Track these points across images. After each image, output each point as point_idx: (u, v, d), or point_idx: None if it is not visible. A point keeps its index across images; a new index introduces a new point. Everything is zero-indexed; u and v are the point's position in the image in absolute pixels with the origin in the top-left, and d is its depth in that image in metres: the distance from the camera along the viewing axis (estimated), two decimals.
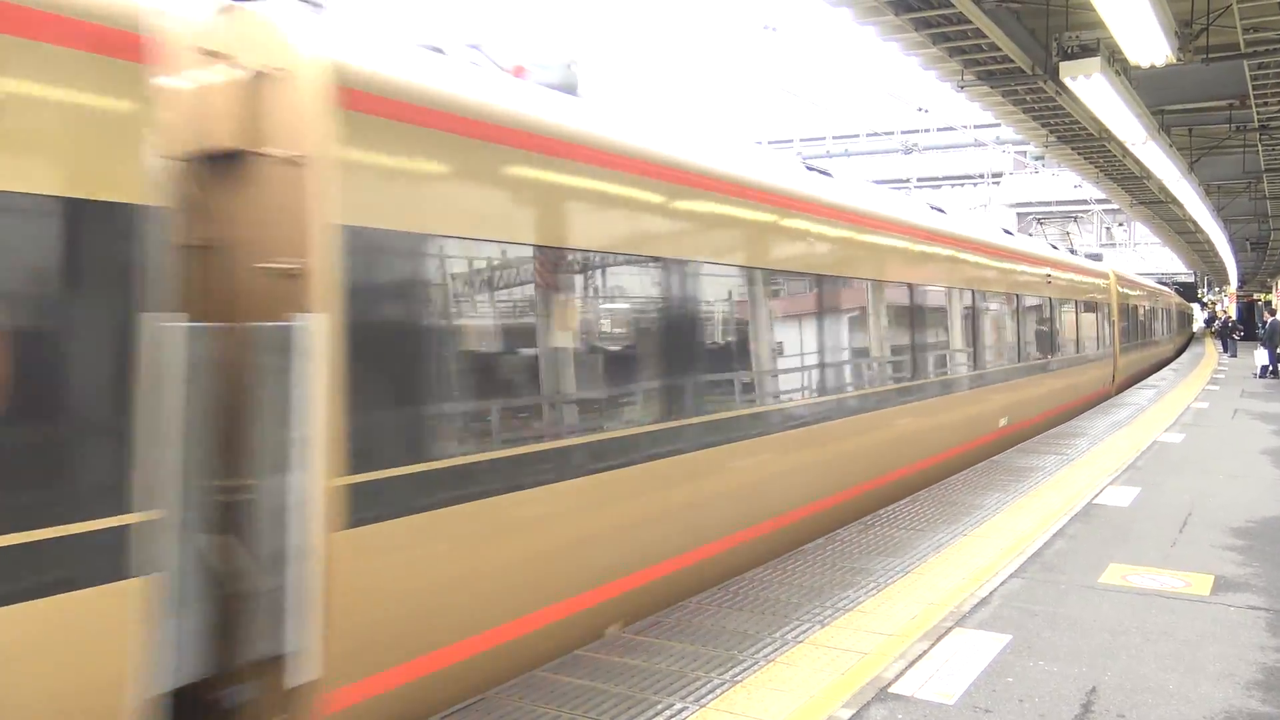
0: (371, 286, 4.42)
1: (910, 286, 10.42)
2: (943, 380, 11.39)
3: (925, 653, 5.14)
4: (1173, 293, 31.96)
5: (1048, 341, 16.49)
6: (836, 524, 8.45)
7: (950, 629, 5.51)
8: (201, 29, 4.29)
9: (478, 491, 4.84)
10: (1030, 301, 15.22)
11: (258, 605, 4.04)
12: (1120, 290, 23.97)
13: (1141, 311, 28.46)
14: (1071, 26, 12.14)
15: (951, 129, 48.18)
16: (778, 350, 8.04)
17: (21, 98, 3.25)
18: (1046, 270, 16.57)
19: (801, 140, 65.68)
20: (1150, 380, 25.15)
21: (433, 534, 4.62)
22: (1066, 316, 17.88)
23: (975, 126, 45.52)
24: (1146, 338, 29.73)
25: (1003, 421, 13.50)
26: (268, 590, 4.03)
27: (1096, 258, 24.07)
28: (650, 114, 10.00)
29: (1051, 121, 18.89)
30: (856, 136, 61.87)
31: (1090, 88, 11.24)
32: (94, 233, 3.41)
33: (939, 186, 60.91)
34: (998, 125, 24.78)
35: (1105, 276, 22.37)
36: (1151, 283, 33.01)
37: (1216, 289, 68.09)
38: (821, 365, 8.59)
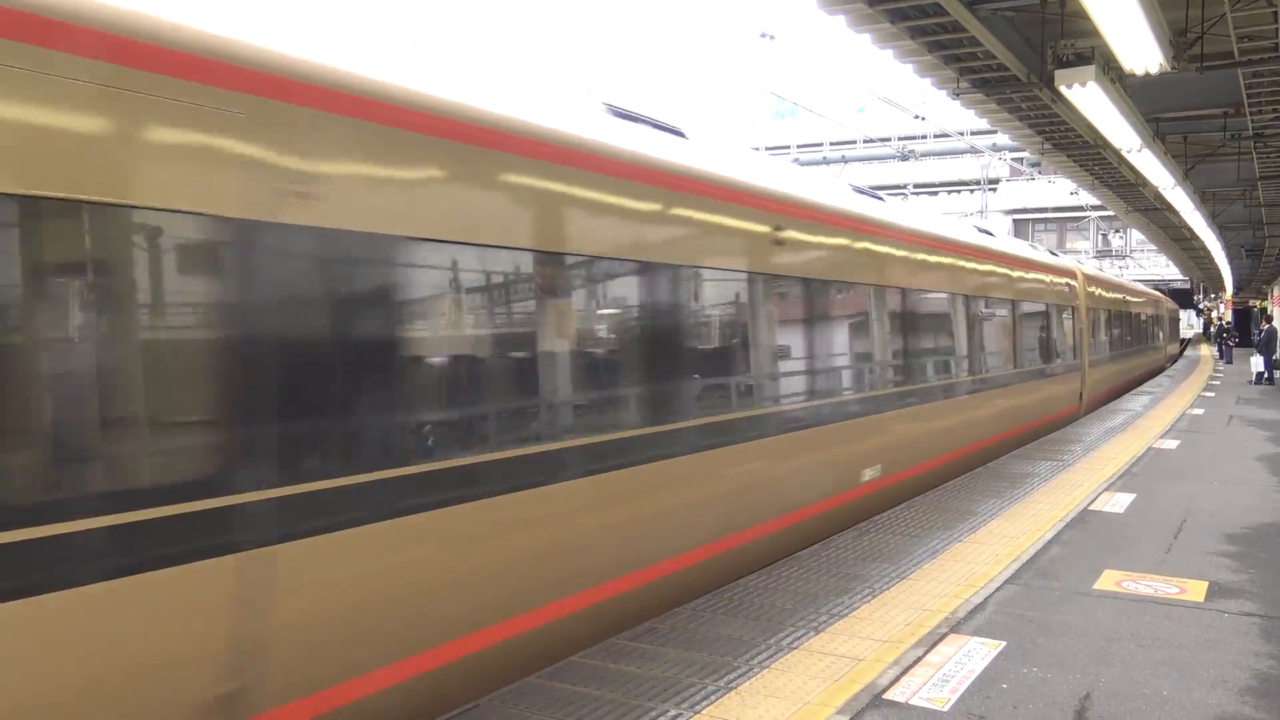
0: (1094, 312, 20.79)
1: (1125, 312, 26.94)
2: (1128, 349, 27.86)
3: (920, 659, 5.14)
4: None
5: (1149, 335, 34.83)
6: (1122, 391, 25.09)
7: (945, 635, 5.52)
8: (1074, 269, 19.90)
9: (1100, 363, 21.38)
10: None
11: (1081, 382, 19.31)
12: (1169, 307, 42.57)
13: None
14: (1067, 35, 12.15)
15: (948, 136, 48.28)
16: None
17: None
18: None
19: (798, 147, 65.79)
20: (1146, 386, 25.65)
21: (1102, 371, 21.47)
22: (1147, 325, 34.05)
23: (972, 133, 45.62)
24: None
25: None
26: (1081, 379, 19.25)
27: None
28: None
29: (1047, 129, 18.92)
30: (854, 143, 61.98)
31: (1085, 95, 11.26)
32: (1075, 310, 19.11)
33: (935, 193, 61.03)
34: (994, 132, 24.91)
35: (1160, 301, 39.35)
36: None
37: (1212, 295, 68.17)
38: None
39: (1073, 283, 18.79)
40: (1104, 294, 22.67)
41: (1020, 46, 13.06)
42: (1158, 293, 39.05)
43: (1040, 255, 17.83)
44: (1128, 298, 27.02)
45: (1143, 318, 30.42)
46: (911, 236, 10.76)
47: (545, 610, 5.30)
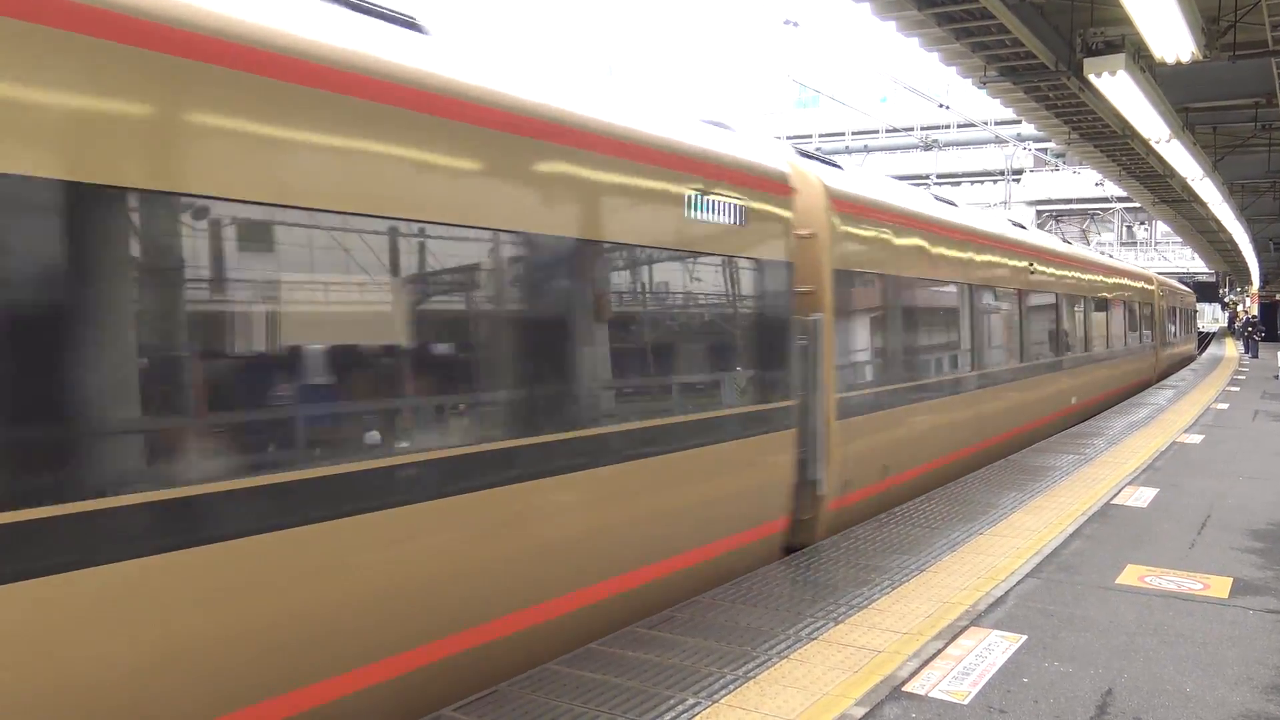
0: (844, 299, 8.57)
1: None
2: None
3: (940, 652, 5.11)
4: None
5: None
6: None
7: (965, 628, 5.49)
8: (788, 173, 7.75)
9: (890, 403, 9.53)
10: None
11: (810, 456, 8.02)
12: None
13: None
14: (1096, 22, 12.03)
15: (972, 125, 47.87)
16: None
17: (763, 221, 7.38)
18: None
19: (820, 136, 65.43)
20: (1169, 380, 25.38)
21: (865, 426, 8.84)
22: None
23: (996, 123, 45.22)
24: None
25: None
26: (812, 448, 8.06)
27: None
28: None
29: (1074, 118, 18.74)
30: (876, 133, 61.56)
31: (1115, 84, 11.12)
32: (781, 274, 7.49)
33: (959, 183, 60.59)
34: (1018, 122, 24.70)
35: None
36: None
37: (1238, 289, 67.44)
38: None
39: (775, 208, 7.41)
40: (928, 248, 10.50)
41: (1048, 34, 12.91)
42: (1143, 270, 28.16)
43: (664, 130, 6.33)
44: (1037, 265, 14.68)
45: (1094, 306, 18.86)
46: None
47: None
